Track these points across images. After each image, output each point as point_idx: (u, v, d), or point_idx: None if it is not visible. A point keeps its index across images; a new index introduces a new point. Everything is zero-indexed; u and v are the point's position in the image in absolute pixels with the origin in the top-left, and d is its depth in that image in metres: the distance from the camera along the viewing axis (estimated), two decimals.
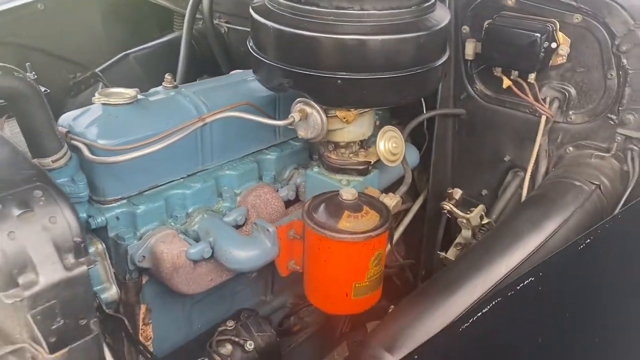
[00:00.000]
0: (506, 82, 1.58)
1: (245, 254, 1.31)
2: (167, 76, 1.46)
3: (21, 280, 0.72)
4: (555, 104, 1.57)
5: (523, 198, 1.56)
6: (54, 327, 0.75)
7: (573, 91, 1.54)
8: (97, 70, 1.97)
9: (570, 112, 1.56)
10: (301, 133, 1.36)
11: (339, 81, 1.18)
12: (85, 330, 0.77)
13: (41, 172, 0.81)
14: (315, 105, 1.30)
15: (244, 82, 1.59)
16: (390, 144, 1.45)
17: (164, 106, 1.38)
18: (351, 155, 1.47)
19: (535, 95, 1.55)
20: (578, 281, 0.87)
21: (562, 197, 1.39)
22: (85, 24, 2.31)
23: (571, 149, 1.58)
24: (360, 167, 1.47)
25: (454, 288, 1.23)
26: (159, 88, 1.47)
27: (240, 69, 1.73)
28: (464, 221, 1.61)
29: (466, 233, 1.64)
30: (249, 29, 1.34)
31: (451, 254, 1.68)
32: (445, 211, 1.62)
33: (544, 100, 1.57)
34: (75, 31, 2.25)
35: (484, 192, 1.81)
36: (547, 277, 0.84)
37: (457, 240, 1.70)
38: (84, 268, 0.76)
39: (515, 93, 1.57)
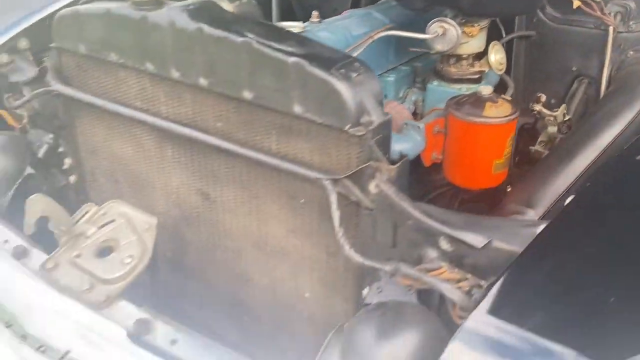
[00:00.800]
0: (576, 3, 1.94)
1: (402, 146, 1.65)
2: (314, 12, 1.78)
3: (362, 120, 1.05)
4: (618, 17, 1.94)
5: (601, 95, 1.94)
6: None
7: (632, 4, 1.92)
8: None
9: (631, 23, 1.94)
10: (438, 47, 1.69)
11: None
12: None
13: (346, 53, 1.14)
14: (452, 22, 1.64)
15: (361, 17, 1.91)
16: (499, 56, 1.81)
17: (323, 36, 1.70)
18: (468, 66, 1.82)
19: (602, 11, 1.92)
20: None
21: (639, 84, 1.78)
22: None
23: (632, 52, 1.96)
24: (475, 77, 1.82)
25: (573, 153, 1.58)
26: (307, 24, 1.78)
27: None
28: (551, 118, 1.98)
29: (552, 129, 2.00)
30: None
31: (538, 148, 2.06)
32: (535, 112, 1.99)
33: (609, 14, 1.94)
34: None
35: (552, 100, 2.18)
36: None
37: (541, 138, 2.07)
38: (389, 115, 1.10)
39: (585, 11, 1.93)
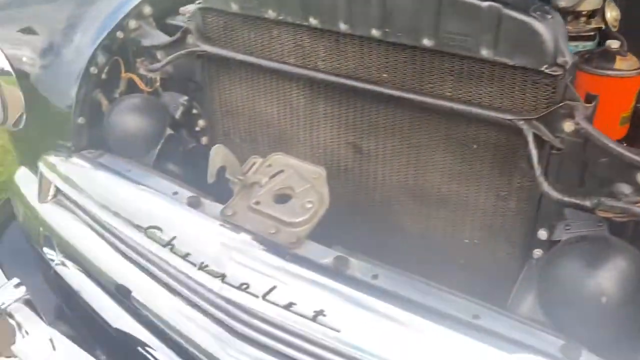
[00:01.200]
0: None
1: None
2: None
3: (559, 60, 1.09)
4: None
5: None
6: None
7: None
8: None
9: None
10: (562, 3, 1.71)
11: None
12: None
13: None
14: None
15: None
16: (614, 13, 1.83)
17: None
18: (585, 23, 1.83)
19: None
20: None
21: None
22: None
23: None
24: (590, 34, 1.84)
25: None
26: None
27: None
28: None
29: None
30: None
31: None
32: None
33: None
34: None
35: None
36: None
37: None
38: (577, 57, 1.13)
39: None
